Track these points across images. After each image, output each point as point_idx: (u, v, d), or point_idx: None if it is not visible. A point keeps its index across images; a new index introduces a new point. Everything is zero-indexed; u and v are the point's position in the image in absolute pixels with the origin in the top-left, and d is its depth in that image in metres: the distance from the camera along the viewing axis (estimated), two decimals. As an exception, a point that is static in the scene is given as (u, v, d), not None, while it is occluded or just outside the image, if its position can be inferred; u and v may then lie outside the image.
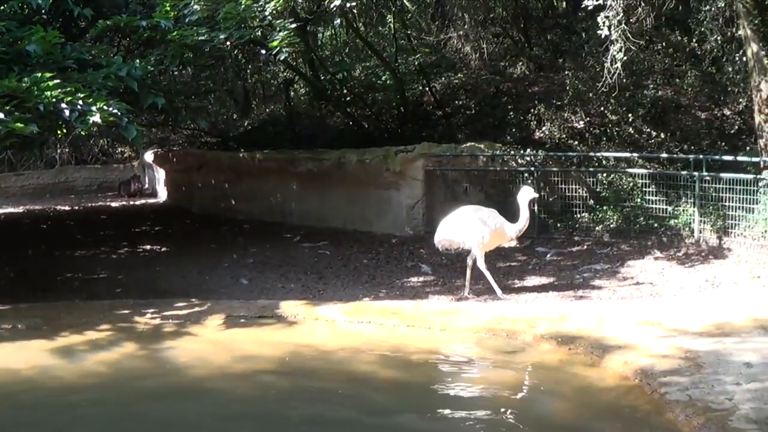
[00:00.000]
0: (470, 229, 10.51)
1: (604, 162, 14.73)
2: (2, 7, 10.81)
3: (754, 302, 9.58)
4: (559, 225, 13.91)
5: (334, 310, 9.89)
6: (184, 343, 9.19)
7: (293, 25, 12.62)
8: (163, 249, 15.97)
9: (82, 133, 9.57)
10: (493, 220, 10.54)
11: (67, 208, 24.82)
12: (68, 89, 9.27)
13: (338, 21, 17.86)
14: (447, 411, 7.20)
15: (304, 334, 9.30)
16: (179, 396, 7.71)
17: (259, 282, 12.36)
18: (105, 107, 9.24)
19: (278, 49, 12.31)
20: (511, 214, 10.83)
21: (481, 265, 10.55)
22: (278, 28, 12.38)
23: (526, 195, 10.56)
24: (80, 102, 9.22)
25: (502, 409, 7.16)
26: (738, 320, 8.65)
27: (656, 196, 13.53)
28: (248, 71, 23.45)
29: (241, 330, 9.50)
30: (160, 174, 25.61)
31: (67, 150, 31.31)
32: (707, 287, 10.75)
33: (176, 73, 20.20)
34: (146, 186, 27.95)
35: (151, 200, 25.74)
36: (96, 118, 9.08)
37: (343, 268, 13.04)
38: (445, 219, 10.96)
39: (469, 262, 10.69)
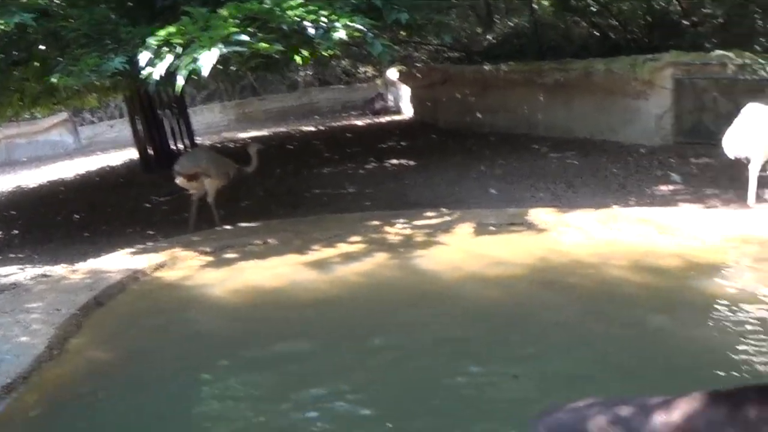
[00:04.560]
0: (750, 132, 10.06)
1: None
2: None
3: None
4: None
5: (584, 218, 9.73)
6: (435, 251, 9.25)
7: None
8: (410, 163, 16.15)
9: (328, 53, 9.39)
10: None
11: (311, 128, 25.45)
12: (311, 8, 9.18)
13: None
14: (698, 313, 7.04)
15: (555, 241, 9.23)
16: (430, 301, 7.78)
17: (507, 192, 12.37)
18: (349, 23, 9.06)
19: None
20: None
21: (754, 171, 10.14)
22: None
23: None
24: (324, 19, 9.09)
25: (754, 313, 6.91)
26: None
27: None
28: (489, -15, 23.42)
29: (492, 237, 9.49)
30: (404, 91, 25.86)
31: (310, 72, 32.05)
32: None
33: (420, -12, 20.35)
34: (390, 103, 28.30)
35: (396, 117, 26.04)
36: (341, 34, 8.95)
37: (592, 177, 12.90)
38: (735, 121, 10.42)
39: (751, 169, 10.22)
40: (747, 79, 14.19)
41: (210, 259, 9.82)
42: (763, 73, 13.97)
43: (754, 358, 6.03)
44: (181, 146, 20.61)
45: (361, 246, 9.74)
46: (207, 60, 8.13)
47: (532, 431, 4.53)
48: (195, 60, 8.23)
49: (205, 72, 8.19)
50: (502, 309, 7.46)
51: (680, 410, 4.05)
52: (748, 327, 6.66)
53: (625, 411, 4.29)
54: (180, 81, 8.47)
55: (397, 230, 10.14)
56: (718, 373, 5.65)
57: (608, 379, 5.80)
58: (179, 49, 8.56)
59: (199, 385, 6.49)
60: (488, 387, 5.89)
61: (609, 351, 6.38)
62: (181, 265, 9.68)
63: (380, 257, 9.25)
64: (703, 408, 4.01)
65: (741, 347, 6.24)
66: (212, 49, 8.18)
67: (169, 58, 8.55)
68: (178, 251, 10.10)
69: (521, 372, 6.03)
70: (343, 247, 9.71)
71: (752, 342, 6.33)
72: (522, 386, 5.84)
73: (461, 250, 9.21)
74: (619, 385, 5.49)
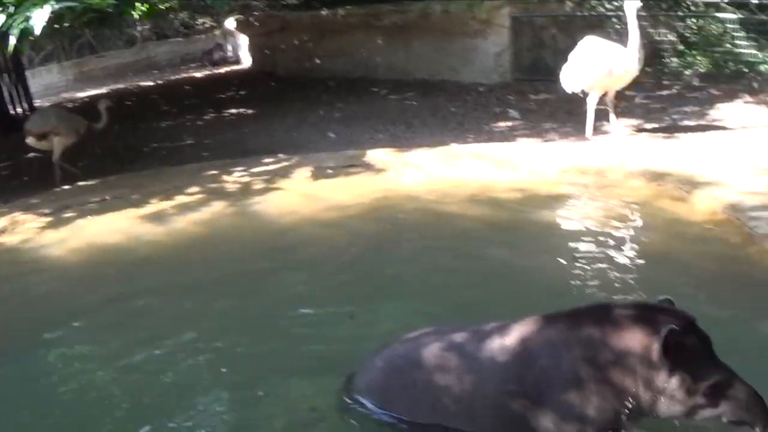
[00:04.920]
0: (588, 65, 10.24)
1: (692, 7, 14.25)
2: None
3: None
4: (648, 69, 13.64)
5: (422, 156, 9.86)
6: (272, 197, 9.24)
7: None
8: (249, 111, 16.01)
9: (164, 5, 9.13)
10: (612, 55, 10.10)
11: (150, 83, 24.93)
12: (143, -40, 9.03)
13: None
14: (537, 243, 7.19)
15: (393, 181, 9.33)
16: (267, 246, 7.75)
17: (346, 135, 12.36)
18: (184, -27, 8.98)
19: None
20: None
21: (591, 104, 10.33)
22: None
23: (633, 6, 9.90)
24: (159, -30, 8.96)
25: (592, 239, 7.14)
26: (836, 161, 8.46)
27: (746, 41, 13.09)
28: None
29: (330, 180, 9.54)
30: (243, 40, 25.60)
31: (147, 27, 31.35)
32: (799, 131, 10.42)
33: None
34: (229, 54, 27.92)
35: (235, 67, 25.73)
36: (175, -16, 8.85)
37: (430, 116, 12.98)
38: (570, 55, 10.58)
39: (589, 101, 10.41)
40: (584, 15, 14.43)
41: (49, 220, 9.50)
42: (600, 8, 14.20)
43: (590, 282, 6.17)
44: (20, 110, 19.87)
45: (200, 196, 9.62)
46: (39, 18, 7.99)
47: (370, 365, 4.52)
48: (27, 18, 8.09)
49: (38, 30, 8.05)
50: (341, 249, 7.42)
51: (516, 333, 4.08)
52: (584, 252, 6.82)
53: (460, 338, 4.29)
54: (12, 40, 8.33)
55: (235, 178, 10.08)
56: (557, 298, 5.65)
57: (449, 311, 5.75)
58: (12, 9, 8.39)
59: (43, 348, 6.24)
60: (326, 326, 5.84)
61: (449, 284, 6.41)
62: (21, 229, 9.32)
63: (218, 206, 9.19)
64: (539, 330, 4.05)
65: (577, 272, 6.37)
66: (44, 6, 8.04)
67: (1, 18, 8.37)
68: (18, 215, 9.71)
69: (360, 310, 5.98)
70: (181, 199, 9.57)
71: (588, 266, 6.47)
72: (359, 324, 5.78)
73: (299, 194, 9.20)
74: (460, 316, 5.34)
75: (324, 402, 4.73)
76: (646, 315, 3.86)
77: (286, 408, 4.80)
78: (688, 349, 3.71)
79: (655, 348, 3.70)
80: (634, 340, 3.79)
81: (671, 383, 3.74)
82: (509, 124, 12.01)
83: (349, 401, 4.53)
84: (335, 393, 4.67)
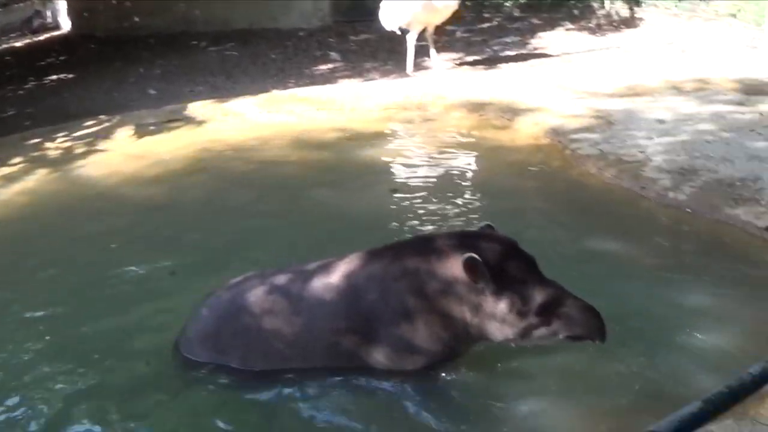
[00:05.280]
0: (405, 2, 10.28)
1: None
2: None
3: (667, 66, 9.75)
4: (468, 2, 13.72)
5: (243, 104, 9.86)
6: (96, 158, 9.04)
7: None
8: (69, 76, 15.54)
9: None
10: None
11: (-32, 59, 24.26)
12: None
13: None
14: (360, 180, 7.23)
15: (215, 131, 9.26)
16: (90, 208, 7.54)
17: (167, 91, 12.18)
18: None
19: None
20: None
21: (411, 40, 10.44)
22: None
23: None
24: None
25: (416, 173, 7.23)
26: (650, 82, 8.92)
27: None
28: None
29: (152, 137, 9.40)
30: (62, 5, 24.96)
31: (-40, 0, 30.16)
32: (619, 54, 10.82)
33: None
34: (49, 20, 27.17)
35: (56, 33, 25.00)
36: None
37: (251, 65, 12.96)
38: None
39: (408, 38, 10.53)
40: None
41: None
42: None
43: (416, 214, 6.25)
44: None
45: (23, 166, 9.35)
46: None
47: (195, 314, 4.49)
48: None
49: None
50: (162, 204, 7.34)
51: (341, 270, 4.13)
52: (409, 186, 6.91)
53: (285, 279, 4.29)
54: None
55: (57, 144, 9.84)
56: (382, 232, 5.73)
57: (273, 255, 5.73)
58: None
59: None
60: (150, 284, 5.75)
61: (272, 228, 6.41)
62: None
63: (42, 173, 8.95)
64: (363, 265, 4.11)
65: (403, 205, 6.45)
66: None
67: None
68: None
69: (183, 264, 5.90)
70: (4, 171, 9.27)
71: (413, 199, 6.56)
72: (182, 278, 5.69)
73: (122, 153, 9.04)
74: (285, 259, 5.32)
75: (157, 357, 4.65)
76: (467, 242, 3.90)
77: (120, 367, 4.70)
78: (511, 272, 3.79)
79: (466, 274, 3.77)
80: (456, 268, 3.82)
81: (500, 307, 3.80)
82: (330, 66, 12.08)
83: (182, 353, 4.47)
84: (168, 347, 4.61)
